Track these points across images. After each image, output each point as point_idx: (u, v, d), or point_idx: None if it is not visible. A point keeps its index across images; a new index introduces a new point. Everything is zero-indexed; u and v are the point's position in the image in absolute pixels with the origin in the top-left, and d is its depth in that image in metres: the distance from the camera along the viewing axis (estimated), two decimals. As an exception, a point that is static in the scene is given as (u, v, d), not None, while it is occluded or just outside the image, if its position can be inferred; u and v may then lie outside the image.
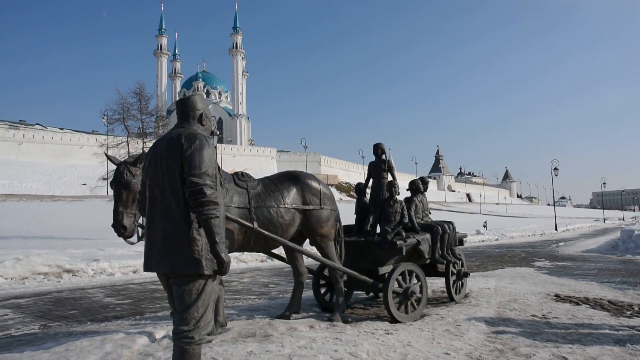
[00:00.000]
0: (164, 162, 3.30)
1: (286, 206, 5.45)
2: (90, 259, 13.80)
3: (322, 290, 7.02)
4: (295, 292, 6.15)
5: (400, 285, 6.03)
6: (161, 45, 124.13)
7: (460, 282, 7.62)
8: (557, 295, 8.09)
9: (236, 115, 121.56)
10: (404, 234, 6.57)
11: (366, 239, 6.70)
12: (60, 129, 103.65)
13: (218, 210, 3.16)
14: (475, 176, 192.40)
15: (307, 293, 7.69)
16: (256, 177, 6.17)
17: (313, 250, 6.27)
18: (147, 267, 3.35)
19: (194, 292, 3.21)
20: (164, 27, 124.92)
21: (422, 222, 7.26)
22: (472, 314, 6.36)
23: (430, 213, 7.86)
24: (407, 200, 7.32)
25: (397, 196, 6.91)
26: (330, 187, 7.52)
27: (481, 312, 6.49)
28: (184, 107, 3.54)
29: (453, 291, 7.32)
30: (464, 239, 8.13)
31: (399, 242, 6.32)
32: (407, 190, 7.66)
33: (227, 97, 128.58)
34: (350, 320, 5.98)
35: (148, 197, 3.44)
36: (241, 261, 15.46)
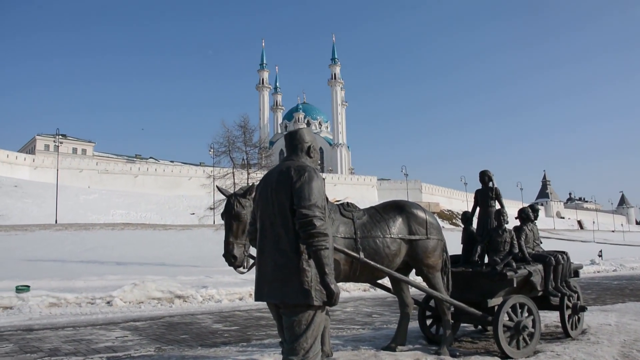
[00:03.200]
0: (274, 194, 3.38)
1: (392, 236, 5.37)
2: (199, 285, 14.44)
3: (428, 322, 6.83)
4: (401, 324, 6.02)
5: (511, 319, 5.71)
6: (263, 80, 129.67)
7: (577, 317, 7.06)
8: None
9: (336, 144, 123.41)
10: (514, 264, 6.25)
11: (474, 269, 6.45)
12: (171, 161, 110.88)
13: (328, 242, 3.17)
14: (586, 202, 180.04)
15: (413, 324, 7.50)
16: (357, 205, 6.19)
17: (418, 280, 6.11)
18: (259, 297, 3.43)
19: (303, 323, 3.23)
20: (265, 62, 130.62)
21: (533, 252, 6.87)
22: (591, 352, 5.83)
23: (541, 242, 7.43)
24: (517, 229, 6.96)
25: (505, 225, 6.62)
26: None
27: (602, 351, 5.93)
28: (293, 140, 3.62)
29: (569, 326, 6.80)
30: (579, 270, 7.58)
31: (509, 273, 6.02)
32: (516, 218, 7.31)
33: (327, 127, 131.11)
34: (457, 354, 5.74)
35: (259, 229, 3.52)
36: (344, 290, 15.46)
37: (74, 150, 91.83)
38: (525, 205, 7.87)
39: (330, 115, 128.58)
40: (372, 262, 5.07)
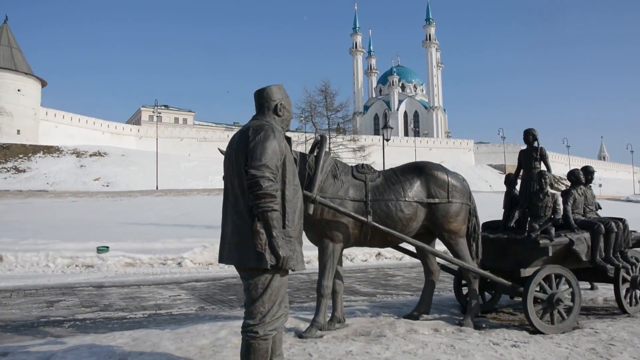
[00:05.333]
0: (234, 154, 3.31)
1: (407, 199, 5.08)
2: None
3: (465, 291, 6.43)
4: (425, 291, 5.75)
5: (544, 291, 5.23)
6: (356, 44, 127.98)
7: (639, 292, 6.34)
8: None
9: (432, 107, 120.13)
10: (552, 231, 5.68)
11: (509, 236, 5.95)
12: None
13: (275, 203, 3.06)
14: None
15: (451, 293, 7.16)
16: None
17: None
18: (220, 259, 3.39)
19: (259, 287, 3.18)
20: (358, 25, 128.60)
21: (584, 218, 6.21)
22: (638, 332, 5.18)
23: (598, 208, 6.72)
24: (564, 193, 6.32)
25: (548, 188, 6.02)
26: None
27: None
28: (259, 99, 3.48)
29: (626, 302, 6.12)
30: None
31: (542, 241, 5.49)
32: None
33: (422, 90, 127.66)
34: (484, 326, 5.39)
35: (223, 190, 3.46)
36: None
37: (176, 120, 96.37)
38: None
39: (425, 78, 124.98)
40: (381, 226, 4.85)
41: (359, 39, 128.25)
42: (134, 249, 14.13)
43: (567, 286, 5.38)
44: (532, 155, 6.39)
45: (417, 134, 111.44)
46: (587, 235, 5.86)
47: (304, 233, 5.09)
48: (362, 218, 4.81)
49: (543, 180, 5.99)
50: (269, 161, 3.10)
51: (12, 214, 29.75)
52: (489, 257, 5.94)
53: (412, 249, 5.78)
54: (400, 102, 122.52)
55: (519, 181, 6.70)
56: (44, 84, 77.39)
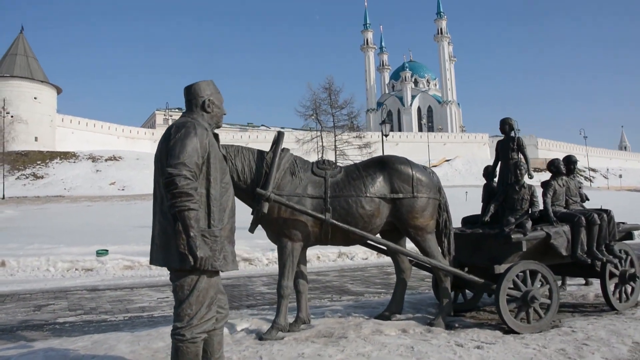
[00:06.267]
0: (159, 153, 3.24)
1: (368, 195, 4.92)
2: (267, 248, 14.67)
3: None
4: (396, 291, 5.60)
5: (518, 288, 5.04)
6: (367, 40, 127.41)
7: (628, 288, 6.09)
8: None
9: (446, 102, 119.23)
10: (528, 225, 5.46)
11: (484, 231, 5.75)
12: (282, 127, 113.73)
13: (192, 202, 2.98)
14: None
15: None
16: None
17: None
18: (150, 260, 3.33)
19: (186, 288, 3.11)
20: (368, 22, 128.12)
21: (565, 210, 5.97)
22: (620, 330, 4.88)
23: (584, 200, 6.48)
24: (544, 185, 6.09)
25: (523, 180, 5.81)
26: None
27: (634, 330, 4.92)
28: (187, 96, 3.42)
29: (613, 298, 5.87)
30: (635, 232, 6.50)
31: (514, 236, 5.28)
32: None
33: (435, 85, 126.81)
34: (457, 325, 5.21)
35: (153, 191, 3.39)
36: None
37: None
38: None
39: (438, 72, 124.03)
40: (340, 224, 4.71)
41: (369, 35, 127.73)
42: (135, 251, 14.14)
43: (543, 283, 5.17)
44: (509, 146, 6.19)
45: (430, 129, 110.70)
46: (566, 228, 5.62)
47: (264, 232, 5.05)
48: (320, 215, 4.69)
49: (518, 171, 5.77)
50: (187, 159, 3.03)
51: (28, 220, 30.13)
52: (465, 253, 5.77)
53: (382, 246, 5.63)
54: (413, 97, 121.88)
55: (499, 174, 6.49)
56: (59, 91, 78.54)
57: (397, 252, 5.26)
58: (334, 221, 4.71)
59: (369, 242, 5.30)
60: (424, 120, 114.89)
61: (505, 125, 6.29)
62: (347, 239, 5.02)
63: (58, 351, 4.41)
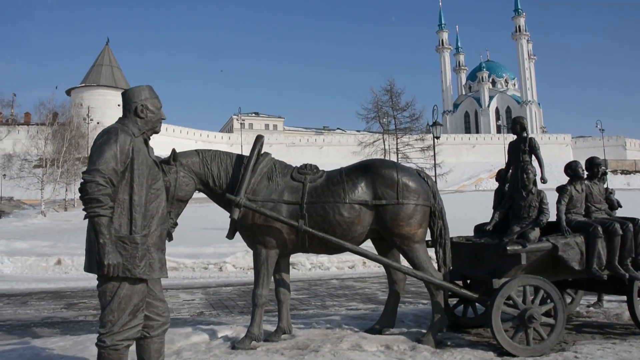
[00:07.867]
0: None
1: (347, 201, 4.64)
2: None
3: (453, 302, 5.80)
4: (389, 303, 5.25)
5: (515, 306, 4.58)
6: (442, 41, 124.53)
7: None
8: None
9: (525, 102, 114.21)
10: (532, 235, 4.93)
11: (485, 240, 5.26)
12: (357, 131, 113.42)
13: (102, 208, 2.97)
14: None
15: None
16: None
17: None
18: (85, 267, 3.31)
19: (107, 295, 3.11)
20: (443, 22, 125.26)
21: (584, 219, 5.36)
22: (636, 356, 4.33)
23: (615, 207, 5.82)
24: (559, 190, 5.51)
25: (531, 185, 5.29)
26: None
27: None
28: (123, 101, 3.44)
29: None
30: None
31: (510, 247, 4.77)
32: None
33: (514, 85, 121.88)
34: (449, 343, 4.81)
35: None
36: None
37: (266, 126, 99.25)
38: None
39: (517, 72, 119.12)
40: (314, 231, 4.49)
41: (445, 35, 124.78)
42: (183, 253, 14.48)
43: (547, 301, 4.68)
44: (520, 147, 5.67)
45: (509, 130, 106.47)
46: (579, 239, 5.02)
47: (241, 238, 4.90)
48: (293, 222, 4.50)
49: (526, 176, 5.26)
50: (102, 165, 3.01)
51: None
52: (466, 265, 5.35)
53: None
54: (491, 98, 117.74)
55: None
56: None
57: (379, 263, 4.96)
58: (308, 228, 4.50)
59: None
60: (499, 122, 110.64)
61: (517, 125, 5.79)
62: (327, 247, 4.77)
63: (35, 350, 4.51)
